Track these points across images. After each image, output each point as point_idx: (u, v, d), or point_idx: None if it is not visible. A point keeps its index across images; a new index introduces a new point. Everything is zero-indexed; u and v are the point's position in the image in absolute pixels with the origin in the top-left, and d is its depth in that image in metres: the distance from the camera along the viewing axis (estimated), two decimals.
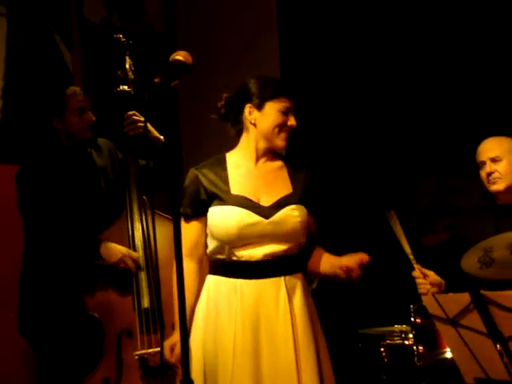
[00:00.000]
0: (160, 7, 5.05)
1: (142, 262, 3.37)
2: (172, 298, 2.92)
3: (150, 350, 3.24)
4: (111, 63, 3.65)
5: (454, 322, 2.53)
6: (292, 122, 2.86)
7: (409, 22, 5.01)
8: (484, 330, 2.47)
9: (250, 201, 2.80)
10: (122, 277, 3.35)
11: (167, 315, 3.25)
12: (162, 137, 3.50)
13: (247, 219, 2.76)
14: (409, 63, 5.05)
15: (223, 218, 2.78)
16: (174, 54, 2.12)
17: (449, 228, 5.00)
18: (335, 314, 4.66)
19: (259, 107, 2.85)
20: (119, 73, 3.56)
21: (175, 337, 2.77)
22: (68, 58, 4.45)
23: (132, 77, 3.57)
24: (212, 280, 2.86)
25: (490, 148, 3.61)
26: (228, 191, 2.81)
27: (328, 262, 2.89)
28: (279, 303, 2.76)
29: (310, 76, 5.00)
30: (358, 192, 4.95)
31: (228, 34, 5.05)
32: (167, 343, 2.82)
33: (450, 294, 2.65)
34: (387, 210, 3.59)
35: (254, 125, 2.86)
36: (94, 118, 3.59)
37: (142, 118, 3.47)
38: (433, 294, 2.56)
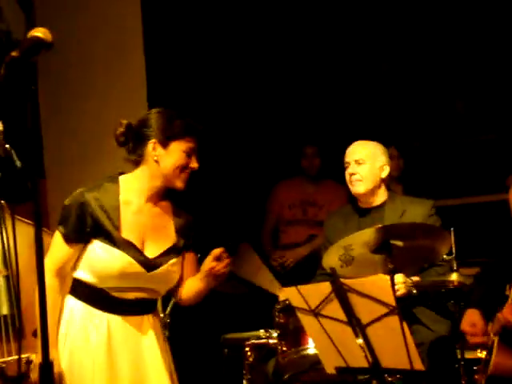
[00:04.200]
0: (21, 14, 4.94)
1: (1, 268, 3.24)
2: (32, 306, 2.88)
3: (9, 359, 3.11)
4: None
5: (315, 312, 2.60)
6: (195, 164, 2.83)
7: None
8: (344, 318, 2.55)
9: (137, 249, 2.79)
10: None
11: (28, 324, 3.16)
12: (7, 145, 3.40)
13: (131, 269, 2.76)
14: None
15: (108, 261, 2.76)
16: (33, 31, 2.09)
17: (308, 240, 5.17)
18: (199, 322, 4.69)
19: (164, 145, 2.80)
20: None
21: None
22: None
23: None
24: (76, 305, 2.83)
25: (356, 150, 3.77)
26: (117, 232, 2.78)
27: (197, 280, 2.91)
28: (147, 339, 2.82)
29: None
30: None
31: (93, 40, 5.02)
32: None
33: (312, 284, 2.71)
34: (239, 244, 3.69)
35: (157, 161, 2.81)
36: None
37: None
38: (295, 286, 2.61)
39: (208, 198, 5.11)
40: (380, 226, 3.14)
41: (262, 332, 3.62)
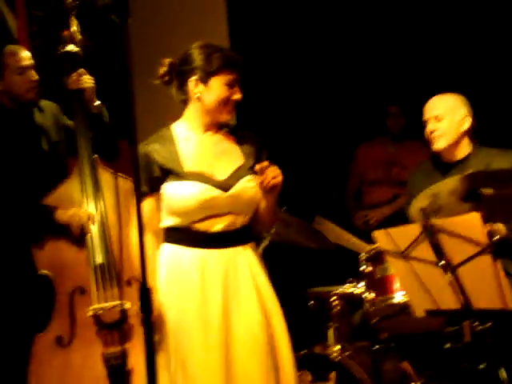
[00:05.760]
0: None
1: (94, 219, 3.36)
2: (127, 254, 2.98)
3: (107, 304, 3.23)
4: (56, 24, 3.62)
5: (405, 254, 2.59)
6: (237, 95, 2.84)
7: None
8: (434, 259, 2.54)
9: (207, 176, 2.82)
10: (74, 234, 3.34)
11: (122, 273, 3.27)
12: (98, 102, 3.52)
13: (207, 194, 2.79)
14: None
15: (182, 194, 2.80)
16: None
17: (392, 200, 5.15)
18: (284, 275, 4.72)
19: (204, 81, 2.83)
20: (65, 33, 3.53)
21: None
22: (12, 24, 4.39)
23: (79, 37, 3.55)
24: (170, 248, 2.88)
25: (433, 106, 3.69)
26: (182, 168, 2.82)
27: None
28: (241, 271, 2.83)
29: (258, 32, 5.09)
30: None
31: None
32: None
33: (401, 226, 2.70)
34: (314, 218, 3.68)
35: (199, 99, 2.84)
36: (36, 77, 3.54)
37: (89, 77, 3.49)
38: (385, 228, 2.61)
39: (291, 159, 5.13)
40: (469, 172, 3.09)
41: (348, 284, 3.63)
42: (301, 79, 5.28)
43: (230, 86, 2.83)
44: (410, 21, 5.31)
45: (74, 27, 3.54)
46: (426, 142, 3.76)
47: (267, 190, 2.78)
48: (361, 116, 5.41)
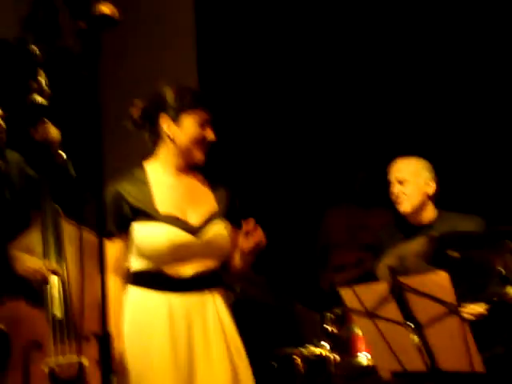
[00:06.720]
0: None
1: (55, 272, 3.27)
2: (89, 309, 2.89)
3: (63, 360, 3.11)
4: (25, 75, 3.59)
5: (371, 313, 2.55)
6: (210, 135, 2.84)
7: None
8: (401, 319, 2.50)
9: (179, 220, 2.79)
10: (32, 287, 3.24)
11: (89, 325, 3.17)
12: (63, 155, 3.47)
13: (178, 238, 2.76)
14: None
15: (153, 237, 2.76)
16: (100, 6, 2.08)
17: (358, 263, 5.12)
18: (249, 334, 4.64)
19: (176, 120, 2.82)
20: (34, 84, 3.49)
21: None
22: None
23: (47, 91, 3.52)
24: (137, 292, 2.82)
25: (397, 169, 3.70)
26: (155, 210, 2.79)
27: (238, 259, 2.88)
28: (209, 317, 2.79)
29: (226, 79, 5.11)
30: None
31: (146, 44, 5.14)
32: None
33: (368, 284, 2.66)
34: None
35: (172, 140, 2.83)
36: (3, 126, 3.49)
37: (55, 129, 3.44)
38: (351, 287, 2.57)
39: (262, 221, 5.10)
40: (434, 234, 3.09)
41: (312, 345, 3.57)
42: (273, 134, 5.29)
43: (203, 125, 2.82)
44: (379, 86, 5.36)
45: (42, 79, 3.52)
46: (393, 208, 3.76)
47: (248, 253, 2.76)
48: (331, 181, 5.42)
